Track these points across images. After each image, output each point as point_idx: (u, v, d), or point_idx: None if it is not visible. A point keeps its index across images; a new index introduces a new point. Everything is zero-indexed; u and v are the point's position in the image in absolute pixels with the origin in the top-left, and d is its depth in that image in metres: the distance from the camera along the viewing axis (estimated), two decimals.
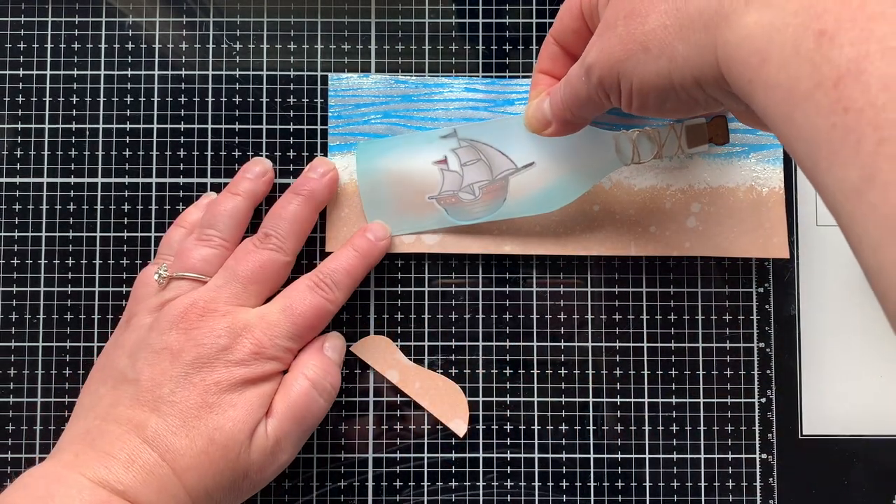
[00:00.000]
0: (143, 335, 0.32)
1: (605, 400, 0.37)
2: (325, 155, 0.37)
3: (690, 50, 0.24)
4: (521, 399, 0.37)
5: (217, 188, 0.37)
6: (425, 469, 0.37)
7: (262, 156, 0.37)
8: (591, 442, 0.37)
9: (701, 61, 0.24)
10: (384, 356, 0.37)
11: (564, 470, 0.36)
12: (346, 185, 0.37)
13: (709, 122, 0.34)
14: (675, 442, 0.36)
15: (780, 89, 0.21)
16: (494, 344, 0.37)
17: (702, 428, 0.37)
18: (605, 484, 0.36)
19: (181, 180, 0.37)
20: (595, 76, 0.28)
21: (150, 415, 0.30)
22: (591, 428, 0.37)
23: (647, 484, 0.36)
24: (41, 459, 0.36)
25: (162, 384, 0.30)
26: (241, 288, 0.32)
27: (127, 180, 0.37)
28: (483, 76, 0.38)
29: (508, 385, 0.37)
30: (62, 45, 0.38)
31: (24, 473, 0.29)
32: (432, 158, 0.37)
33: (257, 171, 0.35)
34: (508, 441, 0.37)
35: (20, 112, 0.37)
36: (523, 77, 0.38)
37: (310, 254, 0.37)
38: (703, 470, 0.36)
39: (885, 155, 0.17)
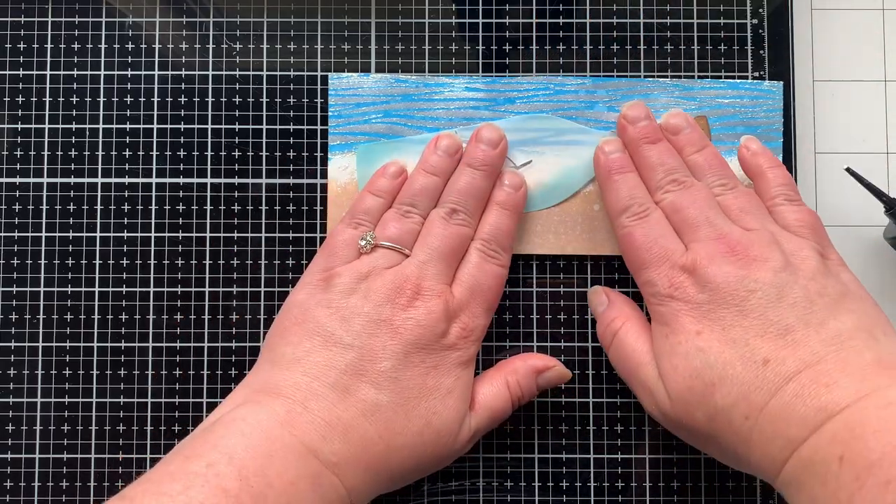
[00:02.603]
0: (357, 302, 0.31)
1: (605, 400, 0.37)
2: (325, 155, 0.37)
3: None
4: None
5: (217, 188, 0.37)
6: None
7: (262, 156, 0.37)
8: (591, 442, 0.37)
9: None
10: None
11: (564, 470, 0.36)
12: (346, 184, 0.37)
13: None
14: (674, 442, 0.36)
15: None
16: (494, 344, 0.37)
17: None
18: (605, 484, 0.36)
19: (181, 180, 0.37)
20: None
21: (369, 387, 0.30)
22: (591, 428, 0.37)
23: (648, 484, 0.36)
24: (41, 460, 0.36)
25: (382, 358, 0.30)
26: (444, 266, 0.33)
27: (127, 180, 0.37)
28: (483, 76, 0.38)
29: None
30: (62, 45, 0.38)
31: (238, 412, 0.28)
32: None
33: (448, 145, 0.35)
34: (508, 441, 0.37)
35: (20, 112, 0.37)
36: (523, 76, 0.38)
37: (310, 254, 0.37)
38: (703, 470, 0.36)
39: None
